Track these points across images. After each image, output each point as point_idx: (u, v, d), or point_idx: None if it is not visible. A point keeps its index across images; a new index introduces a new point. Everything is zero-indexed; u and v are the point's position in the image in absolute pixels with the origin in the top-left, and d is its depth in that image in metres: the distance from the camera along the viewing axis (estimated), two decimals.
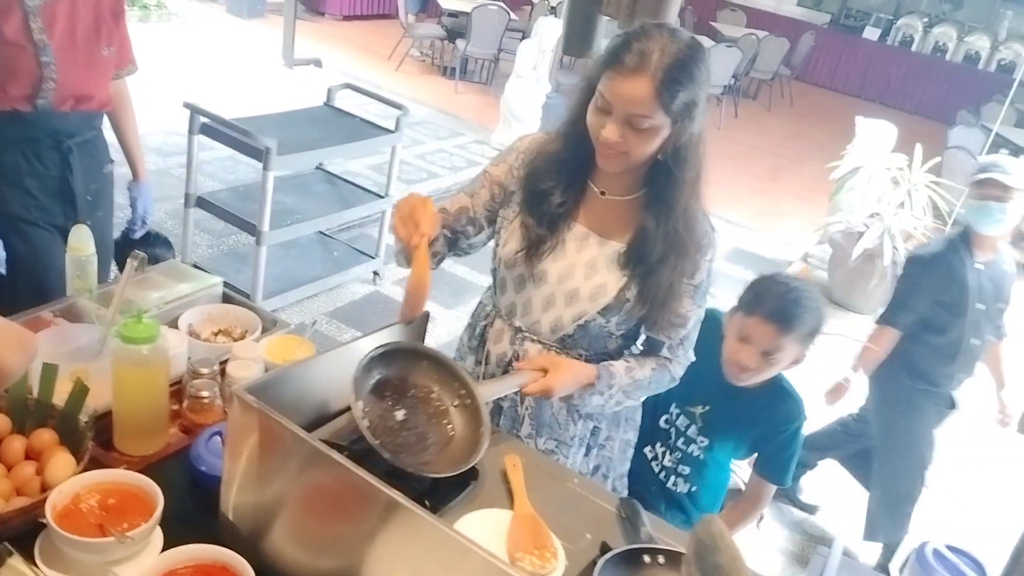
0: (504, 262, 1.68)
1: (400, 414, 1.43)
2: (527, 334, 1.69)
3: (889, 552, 2.38)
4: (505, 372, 1.71)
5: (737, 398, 1.94)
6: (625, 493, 1.91)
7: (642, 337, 1.75)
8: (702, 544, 0.78)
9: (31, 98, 2.12)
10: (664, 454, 2.04)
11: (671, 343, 1.68)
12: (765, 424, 1.96)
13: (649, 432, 2.02)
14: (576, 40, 2.60)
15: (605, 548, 1.29)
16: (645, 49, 1.39)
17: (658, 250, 1.56)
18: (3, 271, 2.18)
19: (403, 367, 1.48)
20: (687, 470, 2.04)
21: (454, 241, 1.72)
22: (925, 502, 3.62)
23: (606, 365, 1.64)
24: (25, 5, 2.05)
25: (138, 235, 2.56)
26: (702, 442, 1.99)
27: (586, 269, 1.62)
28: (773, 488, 2.03)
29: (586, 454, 1.81)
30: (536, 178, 1.64)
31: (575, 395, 1.65)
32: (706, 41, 9.80)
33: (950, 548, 1.50)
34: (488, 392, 1.50)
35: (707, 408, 1.98)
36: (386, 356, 1.45)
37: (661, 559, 1.24)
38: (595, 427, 1.79)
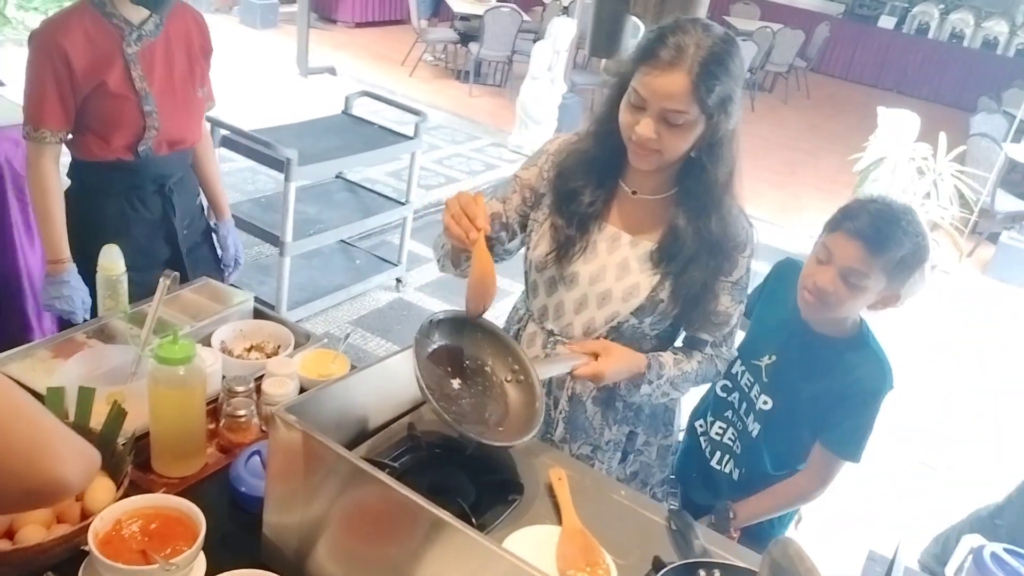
0: (535, 265, 1.66)
1: (456, 383, 1.41)
2: (559, 337, 1.67)
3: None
4: None
5: (811, 345, 1.74)
6: (666, 502, 1.87)
7: (681, 336, 1.72)
8: (778, 567, 0.75)
9: (132, 147, 2.11)
10: (713, 425, 1.92)
11: (714, 340, 1.66)
12: (840, 379, 1.70)
13: (708, 404, 1.93)
14: (604, 40, 2.56)
15: (658, 563, 1.25)
16: (681, 43, 1.38)
17: (689, 248, 1.54)
18: (87, 317, 2.13)
19: (459, 337, 1.45)
20: (739, 448, 1.88)
21: (490, 249, 1.68)
22: (941, 487, 3.58)
23: (656, 355, 1.61)
24: (125, 54, 2.04)
25: (232, 277, 2.50)
26: (764, 405, 1.79)
27: (618, 270, 1.60)
28: (840, 465, 1.75)
29: (623, 460, 1.78)
30: (566, 178, 1.62)
31: (623, 384, 1.61)
32: None
33: (1008, 551, 1.46)
34: (541, 371, 1.46)
35: (774, 359, 1.80)
36: (444, 324, 1.43)
37: (717, 573, 1.21)
38: (631, 432, 1.76)
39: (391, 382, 1.47)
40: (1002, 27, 12.06)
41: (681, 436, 1.98)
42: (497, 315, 1.79)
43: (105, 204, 2.18)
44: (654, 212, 1.59)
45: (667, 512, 1.43)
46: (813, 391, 1.73)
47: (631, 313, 1.59)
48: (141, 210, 2.21)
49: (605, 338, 1.62)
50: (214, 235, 2.49)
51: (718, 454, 1.92)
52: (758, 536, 1.79)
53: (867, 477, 3.33)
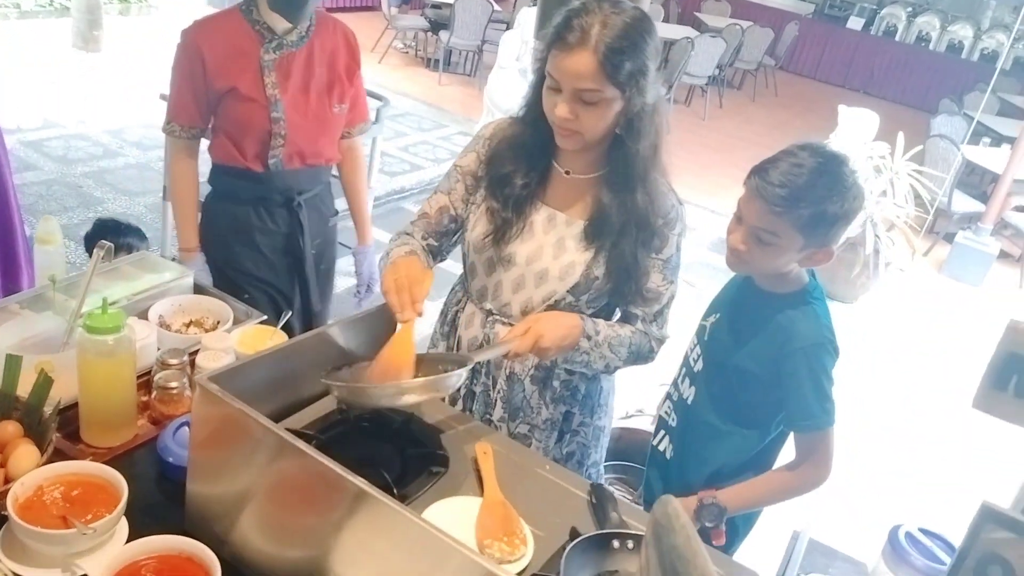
0: (473, 246, 1.68)
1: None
2: (498, 317, 1.69)
3: None
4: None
5: (752, 301, 1.70)
6: (601, 480, 1.89)
7: (616, 316, 1.74)
8: (658, 525, 0.77)
9: (262, 156, 2.13)
10: (663, 404, 1.87)
11: (644, 316, 1.66)
12: (774, 335, 1.64)
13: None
14: (551, 22, 2.57)
15: (575, 534, 1.28)
16: (584, 24, 1.42)
17: (617, 222, 1.57)
18: None
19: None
20: (675, 420, 1.83)
21: (438, 249, 1.74)
22: (893, 484, 3.66)
23: (585, 315, 1.61)
24: (261, 59, 2.07)
25: (362, 302, 2.49)
26: (700, 366, 1.76)
27: (554, 249, 1.62)
28: (823, 440, 1.65)
29: (559, 440, 1.80)
30: (498, 163, 1.65)
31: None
32: (690, 31, 9.81)
33: (923, 531, 1.50)
34: (477, 357, 1.50)
35: (717, 317, 1.78)
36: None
37: (630, 544, 1.23)
38: (568, 411, 1.78)
39: (325, 354, 1.48)
40: (967, 31, 12.26)
41: (615, 417, 1.98)
42: (441, 298, 1.81)
43: (234, 211, 2.22)
44: (587, 191, 1.62)
45: (588, 486, 1.46)
46: (745, 346, 1.69)
47: (567, 291, 1.62)
48: (267, 222, 2.23)
49: None
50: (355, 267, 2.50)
51: (660, 433, 1.92)
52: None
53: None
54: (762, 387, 1.67)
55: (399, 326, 1.42)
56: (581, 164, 1.61)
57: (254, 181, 2.16)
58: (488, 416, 1.76)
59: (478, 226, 1.67)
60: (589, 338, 1.57)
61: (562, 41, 1.43)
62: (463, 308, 1.76)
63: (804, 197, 1.51)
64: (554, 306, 1.63)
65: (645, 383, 2.55)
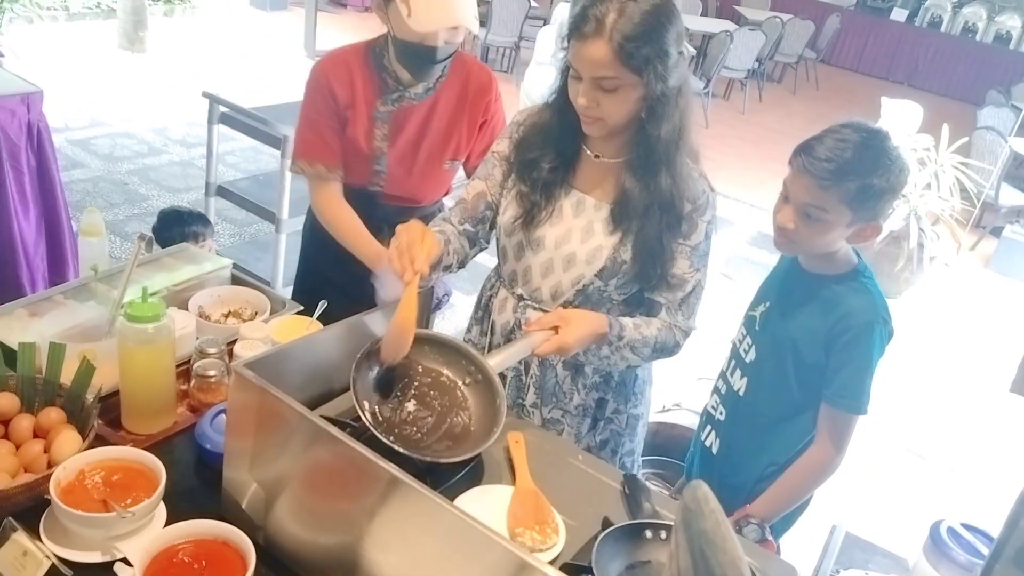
0: (504, 230, 1.70)
1: (411, 405, 1.42)
2: (529, 302, 1.71)
3: None
4: (508, 341, 1.72)
5: (801, 284, 1.70)
6: (635, 470, 1.88)
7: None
8: (688, 511, 0.77)
9: (358, 184, 2.06)
10: (711, 397, 1.86)
11: (669, 304, 1.65)
12: (826, 314, 1.63)
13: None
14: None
15: (607, 523, 1.28)
16: (599, 13, 1.43)
17: (640, 205, 1.57)
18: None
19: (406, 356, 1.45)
20: (723, 414, 1.82)
21: (475, 236, 1.74)
22: (932, 476, 3.59)
23: (615, 317, 1.62)
24: (376, 109, 1.97)
25: (442, 311, 2.42)
26: (752, 356, 1.75)
27: (582, 233, 1.63)
28: (849, 423, 1.65)
29: (592, 427, 1.80)
30: (525, 147, 1.67)
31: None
32: (729, 25, 9.70)
33: (965, 526, 1.47)
34: (499, 362, 1.48)
35: (767, 305, 1.77)
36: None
37: (663, 534, 1.22)
38: (601, 398, 1.78)
39: (360, 341, 1.49)
40: (1015, 21, 11.95)
41: (652, 410, 1.97)
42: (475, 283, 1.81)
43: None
44: (614, 174, 1.62)
45: (621, 476, 1.45)
46: (793, 328, 1.69)
47: (595, 275, 1.62)
48: None
49: (572, 302, 1.66)
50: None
51: (707, 428, 1.91)
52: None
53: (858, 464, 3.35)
54: (814, 361, 1.67)
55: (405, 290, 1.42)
56: (610, 148, 1.62)
57: (355, 197, 2.05)
58: (520, 401, 1.77)
59: (509, 209, 1.69)
60: (610, 343, 1.58)
61: (578, 31, 1.45)
62: (496, 293, 1.78)
63: (851, 170, 1.53)
64: (583, 291, 1.64)
65: (683, 377, 2.53)
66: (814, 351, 1.66)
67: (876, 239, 1.65)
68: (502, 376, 1.75)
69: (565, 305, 1.67)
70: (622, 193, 1.59)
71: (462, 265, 1.72)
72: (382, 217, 2.09)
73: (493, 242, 1.80)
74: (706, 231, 1.64)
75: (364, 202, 2.06)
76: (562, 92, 1.58)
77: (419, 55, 1.86)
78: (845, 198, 1.54)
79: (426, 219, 2.20)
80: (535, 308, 1.70)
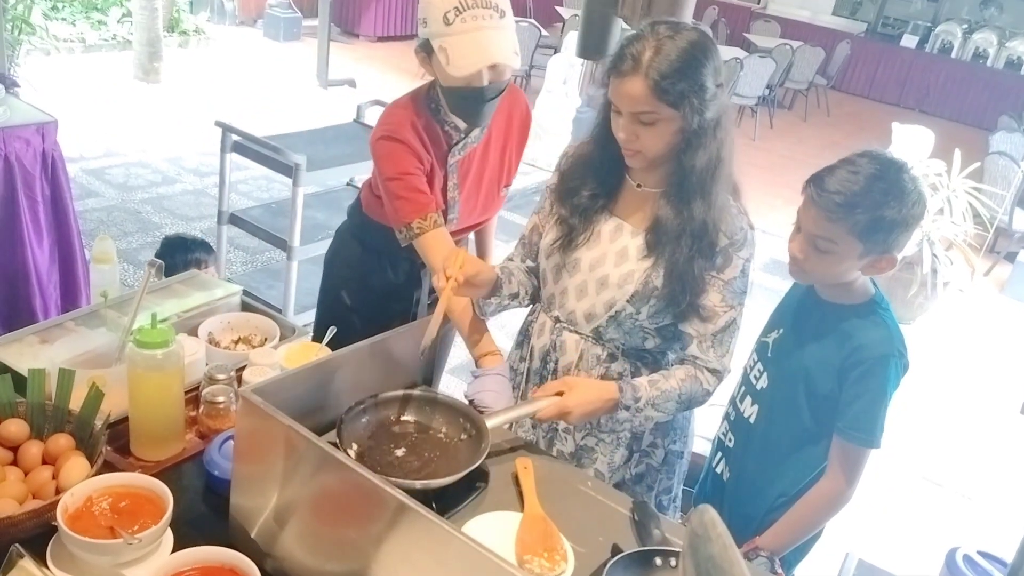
0: (544, 252, 1.75)
1: (400, 452, 1.46)
2: (565, 324, 1.73)
3: None
4: (545, 365, 1.77)
5: (817, 314, 1.68)
6: (676, 511, 1.86)
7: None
8: (695, 535, 0.76)
9: None
10: (721, 425, 1.85)
11: (700, 338, 1.63)
12: (841, 345, 1.61)
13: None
14: (593, 43, 2.60)
15: (616, 551, 1.26)
16: (635, 52, 1.48)
17: (673, 230, 1.59)
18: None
19: (398, 410, 1.53)
20: (732, 441, 1.80)
21: (537, 270, 1.80)
22: (948, 504, 3.54)
23: (626, 380, 1.64)
24: (447, 163, 1.96)
25: None
26: (763, 383, 1.73)
27: (617, 257, 1.66)
28: (862, 457, 1.62)
29: (628, 459, 1.79)
30: (569, 176, 1.73)
31: (602, 418, 1.65)
32: (739, 52, 9.75)
33: (981, 553, 1.45)
34: (497, 422, 1.51)
35: (781, 332, 1.76)
36: (380, 403, 1.50)
37: (673, 561, 1.21)
38: (639, 430, 1.77)
39: (367, 367, 1.49)
40: None
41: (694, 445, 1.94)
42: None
43: (359, 250, 2.19)
44: (652, 203, 1.65)
45: (631, 503, 1.44)
46: (807, 358, 1.67)
47: (627, 301, 1.63)
48: (388, 272, 2.17)
49: (605, 328, 1.68)
50: None
51: (718, 455, 1.89)
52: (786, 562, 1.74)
53: (873, 492, 3.31)
54: (827, 391, 1.65)
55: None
56: (652, 178, 1.65)
57: (390, 237, 1.95)
58: (554, 425, 1.77)
59: (550, 233, 1.74)
60: (627, 408, 1.59)
61: (616, 69, 1.51)
62: (536, 318, 1.81)
63: (859, 203, 1.51)
64: (615, 316, 1.65)
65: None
66: (827, 381, 1.64)
67: (891, 271, 1.61)
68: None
69: (599, 329, 1.68)
70: (656, 219, 1.62)
71: (534, 299, 1.82)
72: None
73: None
74: (743, 268, 1.63)
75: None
76: (604, 125, 1.63)
77: (467, 99, 1.84)
78: (855, 230, 1.52)
79: (459, 245, 2.21)
80: (570, 331, 1.72)
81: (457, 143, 1.96)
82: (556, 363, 1.75)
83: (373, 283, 2.19)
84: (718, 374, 1.65)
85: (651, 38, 1.48)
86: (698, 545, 0.75)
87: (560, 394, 1.54)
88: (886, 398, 1.60)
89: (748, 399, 1.80)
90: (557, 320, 1.75)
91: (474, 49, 1.75)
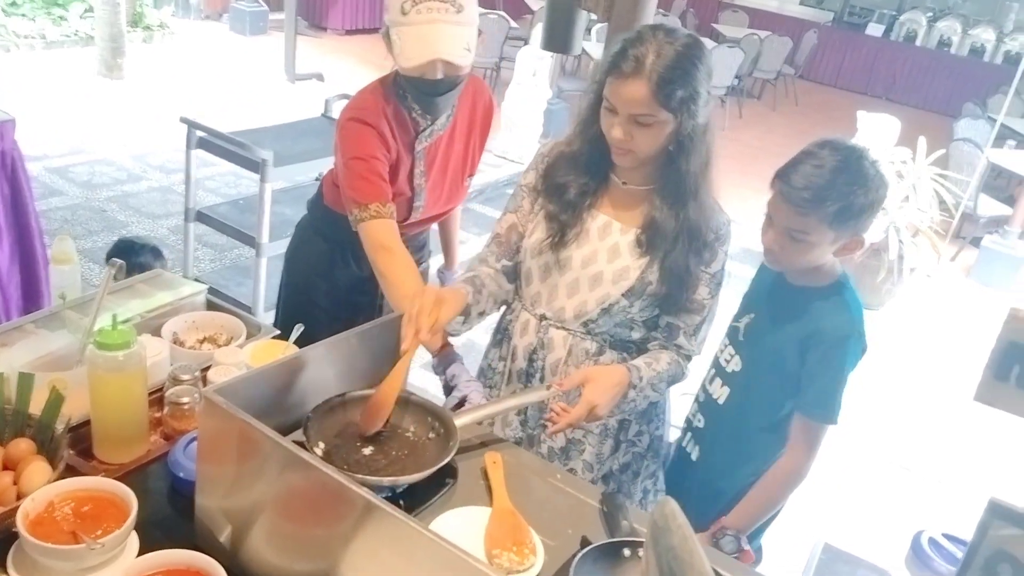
0: (530, 251, 1.74)
1: (368, 451, 1.45)
2: (551, 322, 1.73)
3: None
4: (531, 363, 1.77)
5: (785, 296, 1.74)
6: (658, 494, 1.88)
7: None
8: (656, 527, 0.76)
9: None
10: (693, 404, 1.90)
11: (686, 329, 1.71)
12: (804, 326, 1.67)
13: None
14: (557, 35, 2.60)
15: (585, 543, 1.27)
16: (639, 54, 1.49)
17: (670, 232, 1.63)
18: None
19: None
20: (701, 421, 1.85)
21: (513, 271, 1.80)
22: (916, 488, 3.59)
23: (628, 363, 1.67)
24: (414, 150, 1.97)
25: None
26: (734, 367, 1.78)
27: (609, 253, 1.68)
28: (820, 433, 1.69)
29: (615, 450, 1.81)
30: (555, 173, 1.73)
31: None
32: (708, 43, 9.77)
33: (946, 536, 1.47)
34: (469, 420, 1.52)
35: (752, 317, 1.81)
36: (347, 402, 1.48)
37: (641, 552, 1.21)
38: (623, 420, 1.80)
39: (333, 366, 1.48)
40: (989, 35, 12.12)
41: (671, 431, 1.98)
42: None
43: (321, 244, 2.18)
44: (641, 201, 1.68)
45: (600, 495, 1.44)
46: (778, 340, 1.72)
47: (622, 295, 1.66)
48: (352, 265, 2.16)
49: (595, 321, 1.70)
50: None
51: (687, 435, 1.93)
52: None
53: (843, 477, 3.34)
54: (797, 371, 1.70)
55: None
56: (637, 177, 1.67)
57: (351, 230, 1.93)
58: (543, 422, 1.77)
59: (536, 232, 1.73)
60: (635, 387, 1.62)
61: (618, 69, 1.52)
62: (517, 317, 1.80)
63: (828, 196, 1.57)
64: (608, 310, 1.68)
65: (672, 392, 2.53)
66: (796, 362, 1.70)
67: (860, 251, 1.69)
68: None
69: (588, 323, 1.71)
70: (651, 220, 1.65)
71: (504, 305, 1.80)
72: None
73: None
74: (723, 262, 1.70)
75: None
76: (591, 122, 1.64)
77: (421, 90, 1.84)
78: (825, 220, 1.58)
79: (422, 238, 2.24)
80: (557, 327, 1.73)
81: (424, 130, 1.96)
82: (544, 360, 1.76)
83: (337, 277, 2.18)
84: (689, 359, 1.74)
85: (652, 41, 1.50)
86: (659, 536, 0.75)
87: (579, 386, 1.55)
88: (844, 377, 1.67)
89: (718, 381, 1.85)
90: (543, 318, 1.75)
91: (423, 42, 1.75)
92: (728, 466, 1.82)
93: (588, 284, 1.69)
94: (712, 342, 1.82)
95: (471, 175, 2.15)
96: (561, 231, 1.69)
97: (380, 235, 1.84)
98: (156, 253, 2.72)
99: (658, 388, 1.70)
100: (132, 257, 2.61)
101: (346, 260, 2.17)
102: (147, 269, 2.52)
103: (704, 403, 1.88)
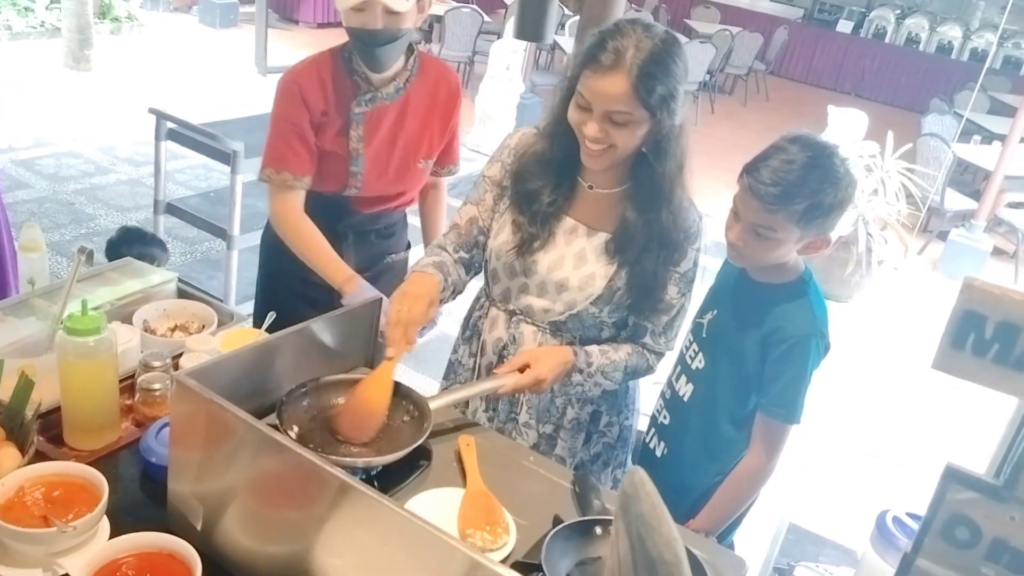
0: (495, 253, 1.69)
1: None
2: (522, 317, 1.70)
3: None
4: (501, 359, 1.72)
5: (749, 294, 1.70)
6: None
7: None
8: (625, 495, 0.77)
9: (331, 192, 2.04)
10: (658, 400, 1.89)
11: (654, 329, 1.68)
12: (766, 325, 1.65)
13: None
14: (529, 25, 2.61)
15: (557, 521, 1.28)
16: (620, 47, 1.42)
17: (641, 239, 1.58)
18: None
19: (341, 393, 1.48)
20: (667, 418, 1.84)
21: (470, 262, 1.75)
22: (883, 473, 3.66)
23: (579, 346, 1.64)
24: (351, 112, 1.97)
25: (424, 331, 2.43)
26: (698, 364, 1.76)
27: (575, 260, 1.63)
28: (782, 433, 1.67)
29: (587, 441, 1.80)
30: (524, 178, 1.66)
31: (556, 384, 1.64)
32: (680, 38, 9.83)
33: (909, 515, 1.50)
34: (444, 402, 1.51)
35: (715, 314, 1.78)
36: (322, 386, 1.47)
37: (612, 529, 1.23)
38: (595, 411, 1.78)
39: (307, 351, 1.48)
40: (956, 32, 12.32)
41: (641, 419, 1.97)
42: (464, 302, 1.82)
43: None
44: (610, 205, 1.62)
45: (571, 476, 1.45)
46: (740, 339, 1.70)
47: (590, 303, 1.62)
48: None
49: (564, 324, 1.66)
50: None
51: (652, 431, 1.92)
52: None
53: (810, 464, 3.39)
54: (758, 370, 1.68)
55: (384, 361, 1.44)
56: (605, 179, 1.62)
57: (317, 209, 2.03)
58: (514, 416, 1.77)
59: (501, 234, 1.68)
60: (581, 371, 1.60)
61: (596, 62, 1.43)
62: (486, 313, 1.77)
63: (797, 193, 1.53)
64: (577, 315, 1.65)
65: (642, 382, 2.55)
66: (757, 361, 1.68)
67: (826, 250, 1.65)
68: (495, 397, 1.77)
69: (557, 324, 1.68)
70: (623, 226, 1.60)
71: (459, 293, 1.73)
72: (349, 224, 2.11)
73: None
74: (695, 258, 1.65)
75: (334, 209, 2.06)
76: (561, 119, 1.56)
77: (362, 40, 1.87)
78: (793, 218, 1.55)
79: (390, 228, 2.22)
80: (528, 323, 1.70)
81: (365, 93, 1.97)
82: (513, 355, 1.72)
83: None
84: (662, 356, 1.71)
85: (632, 34, 1.43)
86: (628, 504, 0.76)
87: (523, 369, 1.53)
88: (806, 376, 1.64)
89: (683, 378, 1.83)
90: (513, 313, 1.72)
91: None
92: (695, 463, 1.80)
93: (555, 289, 1.65)
94: (678, 338, 1.82)
95: (428, 158, 2.11)
96: (528, 240, 1.64)
97: (294, 208, 1.99)
98: (163, 246, 2.71)
99: (612, 377, 1.66)
100: (142, 247, 2.59)
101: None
102: (154, 261, 2.51)
103: (670, 400, 1.87)
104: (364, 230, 2.15)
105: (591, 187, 1.62)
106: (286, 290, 2.16)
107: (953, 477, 0.74)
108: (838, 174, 1.55)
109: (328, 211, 2.04)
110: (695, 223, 1.63)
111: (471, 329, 1.82)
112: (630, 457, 1.92)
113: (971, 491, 0.69)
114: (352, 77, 1.96)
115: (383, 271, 2.24)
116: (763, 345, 1.66)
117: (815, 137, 1.60)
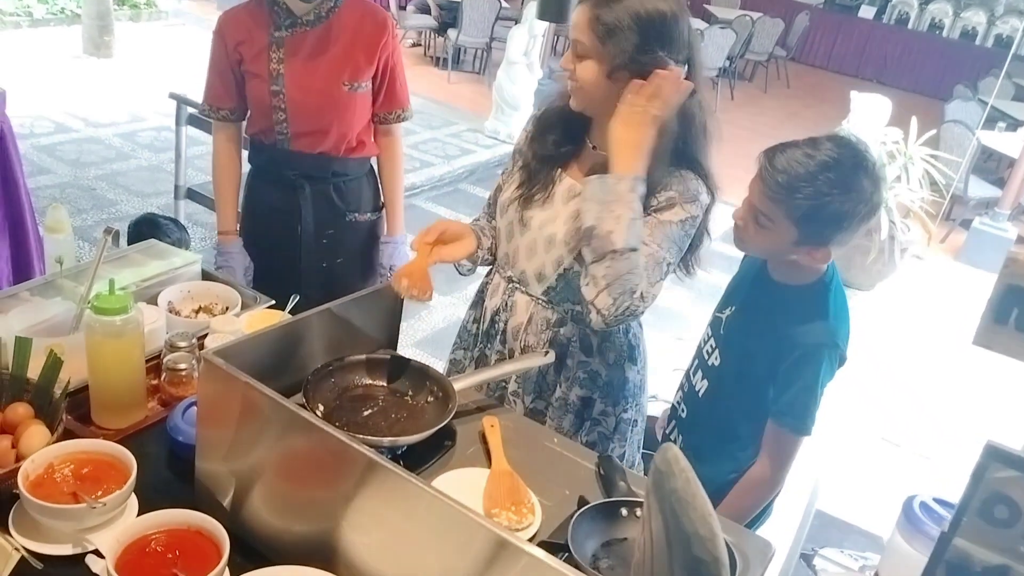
0: (500, 209, 1.74)
1: (368, 412, 1.45)
2: (517, 285, 1.72)
3: None
4: (493, 324, 1.76)
5: (767, 294, 1.64)
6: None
7: None
8: (658, 472, 0.77)
9: (269, 132, 2.19)
10: (676, 391, 1.87)
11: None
12: (781, 330, 1.58)
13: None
14: (552, 6, 2.59)
15: (582, 502, 1.28)
16: None
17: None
18: (250, 282, 2.28)
19: (366, 373, 1.51)
20: (684, 411, 1.82)
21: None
22: (906, 463, 3.63)
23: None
24: (271, 35, 2.12)
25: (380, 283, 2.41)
26: (714, 361, 1.72)
27: (567, 218, 1.64)
28: (793, 443, 1.61)
29: (579, 428, 1.79)
30: (539, 123, 1.72)
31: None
32: (700, 23, 9.77)
33: (937, 500, 1.48)
34: (468, 383, 1.52)
35: (733, 310, 1.73)
36: (347, 366, 1.49)
37: (638, 512, 1.22)
38: (588, 397, 1.76)
39: (331, 332, 1.48)
40: (980, 17, 12.14)
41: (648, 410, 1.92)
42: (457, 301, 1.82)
43: (253, 184, 2.33)
44: (604, 166, 1.59)
45: (595, 458, 1.45)
46: (752, 341, 1.65)
47: (574, 259, 1.61)
48: (272, 195, 2.28)
49: (555, 288, 1.67)
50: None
51: (672, 423, 1.91)
52: None
53: (833, 453, 3.37)
54: (763, 378, 1.64)
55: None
56: (605, 140, 1.56)
57: (264, 153, 2.25)
58: (503, 385, 1.78)
59: (509, 187, 1.73)
60: (633, 190, 1.45)
61: None
62: (492, 279, 1.80)
63: (801, 189, 1.46)
64: (564, 275, 1.65)
65: (659, 368, 2.54)
66: (767, 367, 1.63)
67: (823, 265, 1.57)
68: (483, 355, 1.80)
69: (548, 290, 1.68)
70: (591, 171, 1.58)
71: (494, 259, 1.79)
72: (297, 169, 2.22)
73: None
74: (682, 220, 1.53)
75: (276, 155, 2.22)
76: None
77: None
78: (792, 215, 1.48)
79: (348, 182, 2.30)
80: (522, 292, 1.71)
81: (284, 20, 2.11)
82: (505, 323, 1.74)
83: (264, 217, 2.33)
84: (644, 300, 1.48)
85: None
86: (661, 481, 0.76)
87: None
88: (818, 387, 1.57)
89: (700, 373, 1.81)
90: (510, 280, 1.74)
91: None
92: (710, 459, 1.69)
93: (544, 246, 1.65)
94: (697, 330, 1.80)
95: (353, 81, 2.17)
96: (530, 181, 1.66)
97: (219, 144, 2.29)
98: (183, 230, 2.78)
99: (631, 234, 1.44)
100: (166, 235, 2.67)
101: (268, 191, 2.29)
102: (181, 245, 2.59)
103: (688, 393, 1.85)
104: (317, 177, 2.24)
105: (594, 147, 1.63)
106: (263, 242, 2.34)
107: (993, 455, 0.73)
108: (856, 185, 1.46)
109: (273, 160, 2.24)
110: (697, 192, 1.54)
111: (478, 295, 1.85)
112: (635, 450, 1.87)
113: (1012, 469, 0.68)
114: (273, 8, 2.11)
115: (344, 231, 2.32)
116: (775, 350, 1.60)
117: (856, 143, 1.52)
